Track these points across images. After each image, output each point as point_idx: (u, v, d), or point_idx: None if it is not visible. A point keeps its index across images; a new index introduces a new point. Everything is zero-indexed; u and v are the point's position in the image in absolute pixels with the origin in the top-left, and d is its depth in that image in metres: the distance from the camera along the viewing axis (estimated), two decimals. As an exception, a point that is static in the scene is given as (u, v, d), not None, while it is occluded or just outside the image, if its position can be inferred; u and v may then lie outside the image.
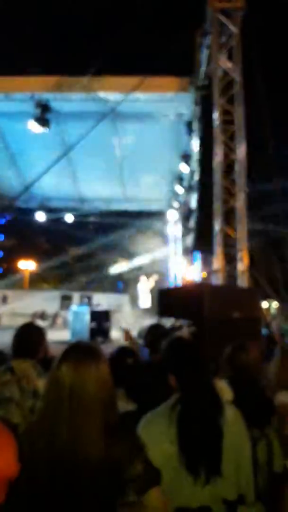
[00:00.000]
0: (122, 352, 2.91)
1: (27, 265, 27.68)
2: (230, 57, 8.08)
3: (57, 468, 1.26)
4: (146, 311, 12.58)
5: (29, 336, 2.43)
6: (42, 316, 18.54)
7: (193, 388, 1.65)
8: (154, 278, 12.82)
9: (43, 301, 19.72)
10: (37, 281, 29.04)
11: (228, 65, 8.02)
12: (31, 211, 15.91)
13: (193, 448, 1.56)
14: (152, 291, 12.52)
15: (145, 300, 12.41)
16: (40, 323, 16.46)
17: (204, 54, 8.92)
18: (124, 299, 13.20)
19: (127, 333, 4.02)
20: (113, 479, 1.28)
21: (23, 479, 1.23)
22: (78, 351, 1.39)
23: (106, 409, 1.33)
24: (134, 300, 16.72)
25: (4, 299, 18.05)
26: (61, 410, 1.29)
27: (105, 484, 1.26)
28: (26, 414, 2.15)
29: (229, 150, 7.87)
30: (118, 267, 21.90)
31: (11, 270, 27.81)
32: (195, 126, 8.98)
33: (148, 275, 13.27)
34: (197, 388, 1.65)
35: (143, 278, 12.77)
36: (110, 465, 1.27)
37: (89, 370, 1.33)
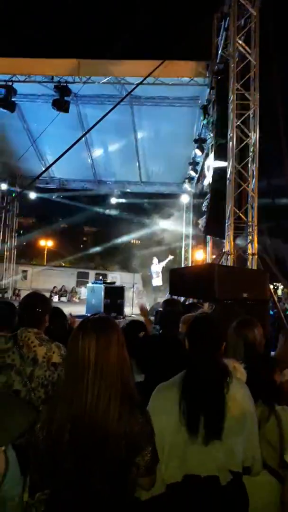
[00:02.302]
0: (133, 326, 3.05)
1: (46, 243, 28.42)
2: (247, 41, 8.10)
3: (75, 434, 1.32)
4: (157, 289, 12.97)
5: (33, 306, 2.41)
6: (61, 291, 19.26)
7: (201, 362, 1.73)
8: (167, 259, 13.13)
9: (61, 277, 20.41)
10: (54, 259, 29.77)
11: (245, 48, 8.05)
12: (50, 191, 16.34)
13: (193, 409, 1.64)
14: (163, 271, 12.86)
15: (157, 279, 12.78)
16: (55, 298, 17.14)
17: (220, 38, 8.92)
18: (137, 277, 13.60)
19: (142, 308, 4.16)
20: (122, 451, 1.34)
21: (45, 442, 1.34)
22: (98, 322, 1.43)
23: (123, 380, 1.39)
24: (146, 279, 17.14)
25: (24, 275, 18.74)
26: (83, 378, 1.35)
27: (114, 454, 1.33)
28: (26, 380, 2.18)
29: (243, 134, 8.01)
30: (131, 248, 22.27)
31: (31, 247, 28.58)
32: (210, 110, 9.08)
33: (160, 256, 13.59)
34: (205, 362, 1.73)
35: (155, 259, 13.09)
36: (122, 437, 1.34)
37: (110, 341, 1.38)
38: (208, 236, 12.17)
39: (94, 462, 1.32)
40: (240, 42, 8.05)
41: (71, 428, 1.33)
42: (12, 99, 10.12)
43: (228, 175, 7.94)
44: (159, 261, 13.09)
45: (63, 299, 18.80)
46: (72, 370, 1.39)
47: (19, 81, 10.03)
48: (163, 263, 12.79)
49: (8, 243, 16.68)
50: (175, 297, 6.72)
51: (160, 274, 12.78)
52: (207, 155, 10.09)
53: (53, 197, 16.28)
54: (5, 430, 0.84)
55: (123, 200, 16.83)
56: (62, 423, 1.33)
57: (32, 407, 0.81)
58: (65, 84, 9.81)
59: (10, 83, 9.98)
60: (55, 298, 18.13)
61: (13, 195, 16.19)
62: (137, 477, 1.44)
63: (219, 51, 8.95)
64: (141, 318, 4.00)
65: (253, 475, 1.75)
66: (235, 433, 1.64)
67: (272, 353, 3.15)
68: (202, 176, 11.98)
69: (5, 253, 16.68)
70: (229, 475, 1.63)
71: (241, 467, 1.68)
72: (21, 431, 0.87)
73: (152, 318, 7.43)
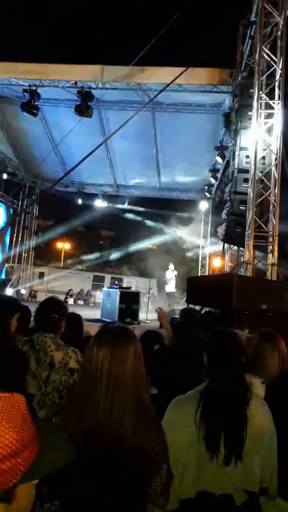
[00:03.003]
0: (149, 337, 2.97)
1: (63, 246, 28.74)
2: (273, 49, 8.01)
3: (86, 447, 1.29)
4: (171, 295, 12.89)
5: (50, 311, 2.42)
6: (78, 295, 19.36)
7: (222, 377, 1.68)
8: (173, 272, 13.02)
9: (77, 280, 20.54)
10: (71, 261, 30.03)
11: (271, 56, 7.96)
12: (70, 195, 16.53)
13: (214, 428, 1.59)
14: (176, 277, 12.80)
15: (171, 285, 12.72)
16: (71, 301, 17.23)
17: (246, 45, 8.86)
18: (152, 283, 13.56)
19: (161, 316, 4.05)
20: (137, 468, 1.31)
21: None
22: (115, 333, 1.40)
23: (138, 392, 1.36)
24: (161, 285, 17.06)
25: (41, 276, 18.96)
26: (96, 389, 1.32)
27: (129, 470, 1.30)
28: (41, 384, 2.20)
29: (266, 143, 7.90)
30: (148, 254, 22.27)
31: (48, 249, 28.95)
32: (233, 117, 9.00)
33: (176, 263, 13.53)
34: (228, 378, 1.68)
35: (171, 265, 13.03)
36: (136, 453, 1.30)
37: (126, 353, 1.35)
38: (226, 244, 12.03)
39: (107, 475, 1.29)
40: (266, 50, 7.97)
41: (84, 441, 1.29)
42: (36, 103, 10.29)
43: (249, 184, 7.83)
44: (174, 268, 13.03)
45: (79, 302, 18.90)
46: (86, 381, 1.37)
47: (43, 86, 10.20)
48: (175, 272, 12.76)
49: (26, 244, 16.92)
50: (192, 305, 6.64)
51: (173, 281, 12.71)
52: (228, 163, 9.99)
53: (72, 200, 16.45)
54: (44, 462, 0.80)
55: (141, 206, 16.85)
56: (75, 436, 1.30)
57: (73, 444, 0.78)
58: (88, 90, 9.92)
59: (34, 88, 10.15)
60: (71, 301, 18.24)
61: (34, 197, 16.44)
62: (153, 495, 1.39)
63: (244, 59, 8.89)
64: (156, 326, 3.89)
65: (270, 497, 1.67)
66: (254, 451, 1.59)
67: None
68: (222, 183, 11.87)
69: (23, 254, 16.92)
70: (244, 495, 1.57)
71: (258, 488, 1.62)
72: (59, 467, 0.84)
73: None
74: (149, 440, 1.33)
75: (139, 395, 1.36)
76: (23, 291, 16.84)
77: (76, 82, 10.05)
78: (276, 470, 1.66)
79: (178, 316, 4.74)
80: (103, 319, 9.85)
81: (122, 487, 1.29)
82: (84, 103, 9.91)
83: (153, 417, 1.41)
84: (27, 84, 10.16)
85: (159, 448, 1.35)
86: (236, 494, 1.56)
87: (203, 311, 7.03)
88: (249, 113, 8.10)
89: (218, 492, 1.57)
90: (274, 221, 7.76)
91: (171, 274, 12.85)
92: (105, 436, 1.29)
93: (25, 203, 16.46)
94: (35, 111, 10.38)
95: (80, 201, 16.41)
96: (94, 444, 1.29)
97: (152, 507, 1.50)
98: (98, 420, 1.30)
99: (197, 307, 7.17)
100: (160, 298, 17.29)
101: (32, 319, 2.95)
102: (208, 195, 14.47)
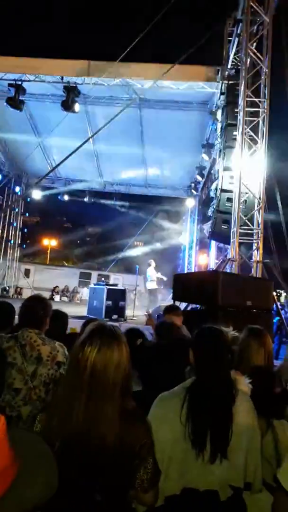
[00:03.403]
0: (131, 334, 2.94)
1: (49, 242, 28.54)
2: (259, 47, 8.07)
3: (69, 446, 1.28)
4: (153, 292, 12.70)
5: (35, 309, 2.44)
6: (63, 291, 19.24)
7: (209, 374, 1.69)
8: (161, 276, 12.84)
9: (63, 277, 20.39)
10: (57, 258, 29.81)
11: (257, 54, 8.03)
12: (55, 191, 16.37)
13: (201, 426, 1.59)
14: (160, 273, 12.66)
15: (152, 283, 12.57)
16: (57, 298, 17.11)
17: (232, 44, 8.91)
18: (139, 280, 13.54)
19: (149, 318, 4.12)
20: (123, 465, 1.31)
21: None
22: (102, 334, 1.38)
23: (123, 394, 1.34)
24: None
25: (27, 273, 18.76)
26: (79, 391, 1.31)
27: (114, 468, 1.30)
28: (28, 379, 2.21)
29: (252, 141, 7.97)
30: (135, 250, 22.22)
31: (34, 246, 28.68)
32: (219, 115, 9.05)
33: (160, 261, 13.37)
34: (214, 375, 1.68)
35: (152, 262, 12.90)
36: (121, 450, 1.30)
37: (112, 354, 1.34)
38: (212, 241, 12.12)
39: (92, 474, 1.29)
40: (252, 48, 8.03)
41: (66, 440, 1.29)
42: (21, 98, 10.13)
43: (236, 181, 7.90)
44: (156, 267, 12.88)
45: (65, 299, 18.79)
46: (70, 379, 1.37)
47: (28, 81, 10.05)
48: (158, 274, 12.56)
49: (12, 241, 16.71)
50: (178, 302, 6.68)
51: (155, 277, 12.56)
52: (214, 160, 10.06)
53: (58, 196, 16.30)
54: (21, 502, 0.66)
55: (127, 202, 16.81)
56: (59, 434, 1.30)
57: (55, 468, 0.67)
58: (74, 85, 9.82)
59: (19, 82, 10.00)
60: (57, 298, 18.13)
61: (19, 193, 16.23)
62: (140, 493, 1.39)
63: (231, 57, 8.93)
64: (142, 323, 3.89)
65: (254, 492, 1.69)
66: (238, 448, 1.60)
67: (276, 362, 3.09)
68: (208, 181, 11.94)
69: (9, 251, 16.72)
70: (229, 491, 1.58)
71: (242, 483, 1.63)
72: (39, 503, 0.70)
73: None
74: (134, 436, 1.33)
75: (124, 393, 1.35)
76: (8, 288, 16.65)
77: (62, 77, 9.94)
78: (259, 465, 1.68)
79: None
80: (90, 316, 9.82)
81: (107, 483, 1.29)
82: (70, 98, 9.81)
83: (138, 413, 1.41)
84: (12, 78, 10.00)
85: (144, 441, 1.35)
86: (221, 490, 1.58)
87: (189, 308, 7.09)
88: (234, 132, 8.14)
89: (203, 488, 1.58)
90: (259, 218, 7.86)
91: (151, 271, 12.74)
92: (89, 435, 1.28)
93: (11, 199, 16.24)
94: (21, 106, 10.23)
95: (66, 198, 16.26)
96: (78, 440, 1.28)
97: (139, 506, 1.49)
98: (80, 417, 1.29)
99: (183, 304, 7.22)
100: (146, 295, 17.32)
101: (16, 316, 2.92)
102: (194, 192, 14.55)
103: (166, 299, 13.39)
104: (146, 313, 4.31)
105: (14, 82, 9.99)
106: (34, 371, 2.23)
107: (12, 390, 2.18)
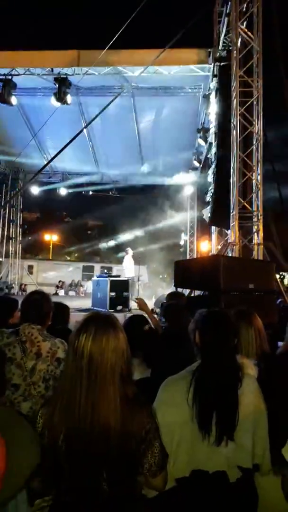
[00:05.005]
0: (135, 320, 2.96)
1: (50, 238, 28.57)
2: (249, 26, 7.91)
3: (73, 437, 1.29)
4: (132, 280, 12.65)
5: (36, 304, 2.44)
6: (68, 286, 19.32)
7: (215, 357, 1.69)
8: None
9: (66, 271, 20.48)
10: (60, 253, 29.87)
11: (248, 33, 7.87)
12: (53, 185, 16.31)
13: (206, 409, 1.60)
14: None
15: (129, 270, 12.56)
16: (61, 292, 17.19)
17: (222, 24, 8.73)
18: (142, 270, 13.52)
19: (140, 303, 4.07)
20: (128, 452, 1.31)
21: (46, 446, 1.30)
22: (96, 322, 1.38)
23: (123, 380, 1.34)
24: (152, 272, 17.04)
25: (30, 270, 18.82)
26: (79, 380, 1.31)
27: (120, 455, 1.30)
28: (26, 374, 2.21)
29: (247, 122, 7.87)
30: (135, 240, 22.20)
31: (36, 242, 28.72)
32: (213, 98, 8.92)
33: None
34: (220, 357, 1.69)
35: (129, 250, 12.88)
36: (126, 437, 1.30)
37: (107, 340, 1.34)
38: (213, 227, 12.07)
39: (99, 463, 1.29)
40: (242, 27, 7.88)
41: (70, 431, 1.30)
42: (12, 93, 10.02)
43: (232, 164, 7.83)
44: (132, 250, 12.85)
45: (70, 293, 18.88)
46: (69, 369, 1.36)
47: (18, 75, 9.92)
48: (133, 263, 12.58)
49: (13, 238, 16.72)
50: (180, 289, 6.67)
51: (132, 266, 12.57)
52: (210, 145, 9.95)
53: (57, 191, 16.24)
54: (21, 471, 0.71)
55: (126, 192, 16.73)
56: (63, 426, 1.30)
57: (38, 444, 0.71)
58: (65, 76, 9.69)
59: (9, 77, 9.87)
60: (61, 292, 18.21)
61: (16, 189, 16.18)
62: (149, 478, 1.40)
63: (221, 38, 8.77)
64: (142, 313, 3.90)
65: (263, 473, 1.71)
66: (246, 429, 1.62)
67: (280, 343, 3.09)
68: (206, 166, 11.84)
69: (11, 248, 16.74)
70: (238, 472, 1.60)
71: (251, 464, 1.65)
72: (33, 469, 0.75)
73: (158, 310, 7.42)
74: (138, 421, 1.33)
75: (124, 379, 1.35)
76: (12, 285, 16.72)
77: (52, 69, 9.81)
78: (268, 446, 1.69)
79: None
80: (94, 308, 9.87)
81: (114, 471, 1.29)
82: (62, 90, 9.69)
83: (140, 398, 1.40)
84: (1, 74, 9.87)
85: (149, 425, 1.35)
86: (230, 471, 1.59)
87: (192, 295, 7.09)
88: (229, 92, 8.02)
89: (212, 469, 1.59)
90: (258, 201, 7.80)
91: (129, 258, 12.72)
92: (91, 425, 1.28)
93: (9, 195, 16.20)
94: (12, 101, 10.12)
95: (64, 191, 16.21)
96: (81, 430, 1.29)
97: (149, 491, 1.51)
98: (81, 409, 1.29)
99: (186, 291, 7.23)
100: (151, 285, 17.39)
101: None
102: (192, 178, 14.44)
103: (170, 287, 13.41)
104: (136, 299, 4.29)
105: (4, 77, 9.86)
106: (33, 366, 2.23)
107: (11, 386, 2.18)
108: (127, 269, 12.52)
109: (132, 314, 3.20)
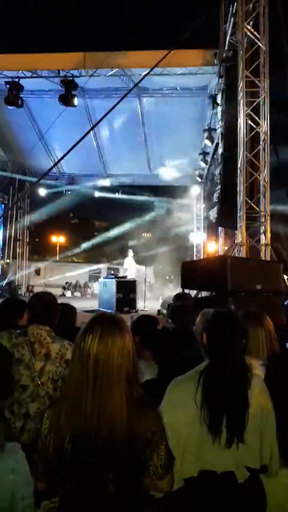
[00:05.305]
0: (143, 321, 2.95)
1: (57, 239, 28.71)
2: (256, 26, 7.89)
3: (80, 438, 1.29)
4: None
5: (43, 305, 2.45)
6: (75, 287, 19.39)
7: (222, 357, 1.68)
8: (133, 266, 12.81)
9: (73, 272, 20.55)
10: (67, 254, 29.97)
11: (254, 33, 7.85)
12: (60, 187, 16.39)
13: (216, 411, 1.60)
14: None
15: (130, 273, 12.56)
16: (68, 293, 17.25)
17: (228, 24, 8.71)
18: (149, 271, 13.51)
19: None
20: (135, 454, 1.30)
21: (52, 447, 1.32)
22: (102, 322, 1.37)
23: (129, 381, 1.33)
24: (158, 273, 16.98)
25: (37, 271, 18.93)
26: (85, 381, 1.30)
27: (126, 457, 1.29)
28: (35, 375, 2.22)
29: (253, 122, 7.84)
30: (142, 242, 22.21)
31: (43, 243, 28.85)
32: (219, 99, 8.90)
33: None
34: (228, 358, 1.68)
35: (130, 252, 12.87)
36: (132, 438, 1.29)
37: (113, 341, 1.33)
38: (220, 228, 12.03)
39: (105, 465, 1.28)
40: (249, 27, 7.85)
41: (76, 432, 1.29)
42: (19, 95, 10.11)
43: (239, 165, 7.80)
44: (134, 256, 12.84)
45: (76, 294, 18.93)
46: (75, 370, 1.35)
47: (25, 77, 10.01)
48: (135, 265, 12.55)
49: (20, 240, 16.83)
50: (187, 290, 6.65)
51: (134, 268, 12.54)
52: (217, 145, 9.93)
53: (63, 192, 16.32)
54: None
55: (133, 194, 16.73)
56: (69, 427, 1.30)
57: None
58: (71, 78, 9.75)
59: (16, 80, 9.96)
60: (68, 294, 18.27)
61: (24, 192, 16.30)
62: (155, 480, 1.38)
63: (227, 38, 8.74)
64: (154, 313, 3.90)
65: (271, 474, 1.69)
66: (254, 430, 1.61)
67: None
68: (213, 166, 11.80)
69: (18, 249, 16.84)
70: (246, 473, 1.60)
71: (259, 464, 1.64)
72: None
73: (165, 311, 7.41)
74: (144, 423, 1.32)
75: (130, 380, 1.34)
76: (20, 287, 16.82)
77: (59, 71, 9.87)
78: (276, 447, 1.68)
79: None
80: (101, 309, 9.87)
81: (120, 472, 1.28)
82: (68, 92, 9.75)
83: (146, 400, 1.39)
84: (9, 76, 9.97)
85: (155, 427, 1.34)
86: (238, 471, 1.58)
87: (199, 296, 7.06)
88: (235, 92, 8.00)
89: (220, 470, 1.59)
90: (265, 201, 7.76)
91: (129, 261, 12.70)
92: (98, 422, 1.28)
93: (16, 197, 16.32)
94: (20, 104, 10.21)
95: (71, 194, 16.28)
96: (88, 431, 1.28)
97: (156, 493, 1.50)
98: (88, 419, 1.28)
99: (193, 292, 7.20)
100: (157, 286, 17.34)
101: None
102: (199, 179, 14.40)
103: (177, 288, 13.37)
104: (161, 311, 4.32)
105: (11, 80, 9.96)
106: (42, 367, 2.24)
107: (20, 387, 2.18)
108: (128, 270, 12.55)
109: (141, 314, 3.24)
